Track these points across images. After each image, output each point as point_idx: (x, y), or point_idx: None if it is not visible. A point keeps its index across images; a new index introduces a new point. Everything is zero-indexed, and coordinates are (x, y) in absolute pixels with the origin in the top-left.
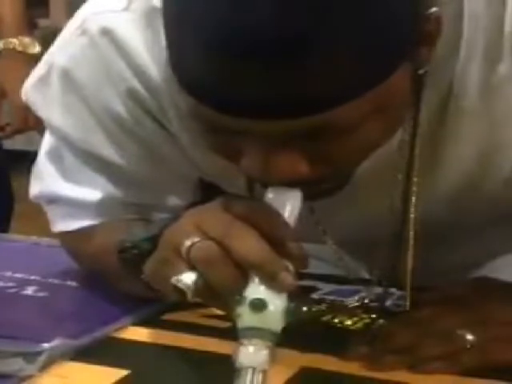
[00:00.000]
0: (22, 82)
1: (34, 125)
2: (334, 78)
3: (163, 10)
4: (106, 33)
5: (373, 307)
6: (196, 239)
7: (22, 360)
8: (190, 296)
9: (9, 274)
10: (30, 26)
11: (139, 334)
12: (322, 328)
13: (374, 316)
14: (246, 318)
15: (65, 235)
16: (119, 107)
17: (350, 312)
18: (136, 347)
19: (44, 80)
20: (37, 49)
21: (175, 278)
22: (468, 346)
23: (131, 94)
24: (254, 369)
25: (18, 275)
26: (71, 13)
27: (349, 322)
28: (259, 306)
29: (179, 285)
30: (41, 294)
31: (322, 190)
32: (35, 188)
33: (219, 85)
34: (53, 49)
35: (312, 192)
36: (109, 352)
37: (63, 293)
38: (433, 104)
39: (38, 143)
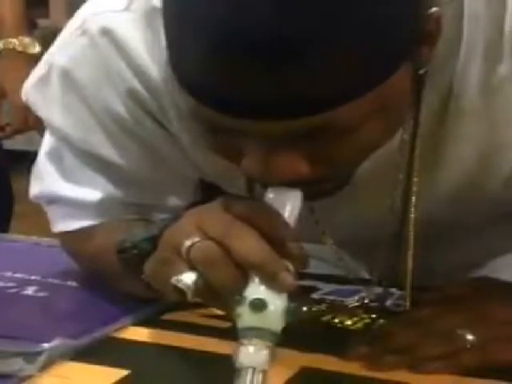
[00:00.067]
0: (22, 82)
1: (34, 125)
2: (334, 78)
3: (163, 10)
4: (106, 33)
5: (373, 307)
6: (196, 239)
7: (22, 360)
8: (190, 296)
9: (9, 274)
10: (29, 26)
11: (139, 333)
12: (321, 328)
13: (373, 316)
14: (246, 317)
15: (65, 235)
16: (119, 107)
17: (350, 312)
18: (136, 347)
19: (44, 80)
20: (37, 49)
21: (175, 278)
22: (468, 346)
23: (131, 94)
24: (254, 369)
25: (18, 275)
26: (71, 13)
27: (349, 322)
28: (259, 306)
29: (179, 285)
30: (41, 294)
31: (322, 189)
32: (35, 188)
33: (219, 85)
34: (53, 49)
35: (312, 192)
36: (109, 352)
37: (63, 293)
38: (433, 104)
39: (38, 143)
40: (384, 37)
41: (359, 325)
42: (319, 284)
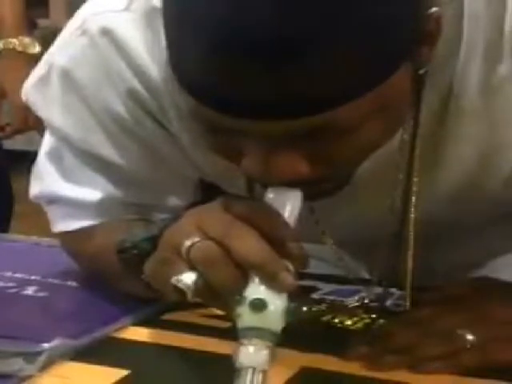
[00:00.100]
0: (22, 82)
1: (34, 125)
2: (334, 78)
3: (163, 10)
4: (106, 33)
5: (373, 307)
6: (196, 239)
7: (22, 360)
8: (190, 296)
9: (9, 274)
10: (30, 26)
11: (139, 333)
12: (322, 328)
13: (374, 316)
14: (246, 317)
15: (65, 235)
16: (119, 107)
17: (350, 312)
18: (136, 347)
19: (44, 80)
20: (37, 49)
21: (175, 278)
22: (468, 346)
23: (131, 94)
24: (254, 369)
25: (18, 275)
26: (71, 13)
27: (349, 322)
28: (259, 306)
29: (179, 285)
30: (41, 294)
31: (322, 189)
32: (35, 188)
33: (219, 85)
34: (53, 49)
35: (312, 192)
36: (109, 352)
37: (63, 293)
38: (433, 104)
39: (38, 143)
40: (384, 37)
41: (359, 325)
42: (319, 284)
